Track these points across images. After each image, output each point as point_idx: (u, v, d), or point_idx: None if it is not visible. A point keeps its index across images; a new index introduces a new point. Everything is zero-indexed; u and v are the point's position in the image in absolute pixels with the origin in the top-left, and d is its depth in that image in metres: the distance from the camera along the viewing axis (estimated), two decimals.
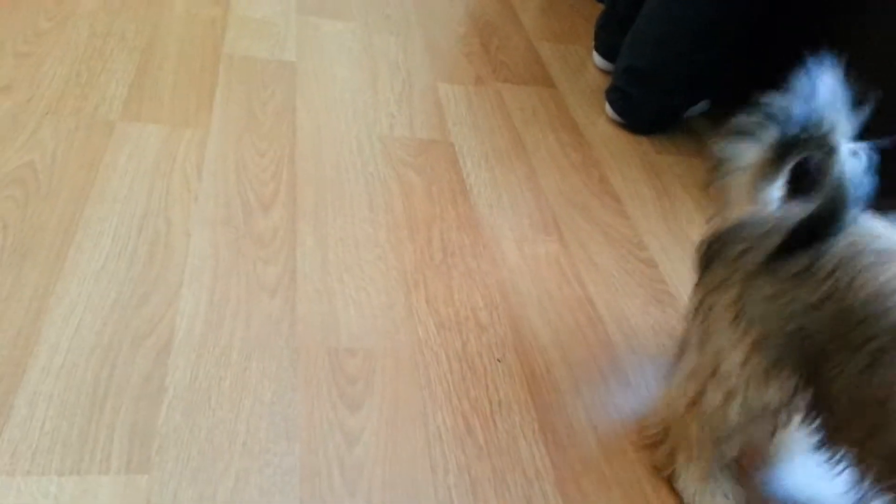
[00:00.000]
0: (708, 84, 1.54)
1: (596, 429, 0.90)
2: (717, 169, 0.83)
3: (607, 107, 1.52)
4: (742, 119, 0.78)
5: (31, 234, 0.95)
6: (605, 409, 0.92)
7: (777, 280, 0.72)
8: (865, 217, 0.70)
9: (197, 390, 0.82)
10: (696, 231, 1.27)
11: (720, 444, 0.82)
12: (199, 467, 0.75)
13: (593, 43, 1.74)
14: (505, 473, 0.82)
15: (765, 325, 0.73)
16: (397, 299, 1.00)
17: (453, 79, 1.54)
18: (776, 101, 0.75)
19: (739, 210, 0.80)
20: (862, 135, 0.70)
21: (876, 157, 0.69)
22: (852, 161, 0.68)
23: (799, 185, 0.79)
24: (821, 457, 0.74)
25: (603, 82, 1.65)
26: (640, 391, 0.96)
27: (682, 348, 0.85)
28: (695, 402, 0.81)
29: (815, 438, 0.74)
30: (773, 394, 0.75)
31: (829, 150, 0.69)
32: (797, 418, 0.78)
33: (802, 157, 0.75)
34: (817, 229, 0.69)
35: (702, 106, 1.59)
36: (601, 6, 1.75)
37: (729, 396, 0.78)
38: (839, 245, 0.69)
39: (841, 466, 0.72)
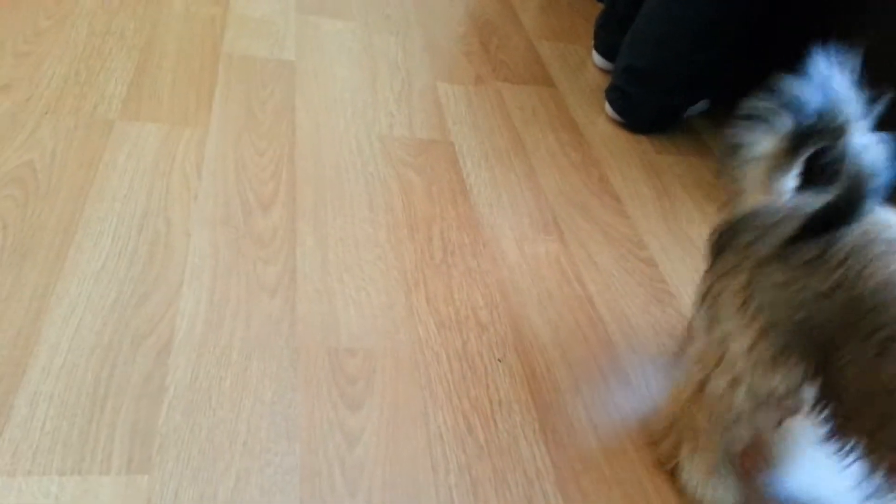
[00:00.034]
0: (708, 84, 1.54)
1: (596, 428, 0.90)
2: (729, 157, 0.83)
3: (607, 106, 1.52)
4: (757, 104, 0.78)
5: (30, 234, 0.95)
6: (605, 409, 0.92)
7: (788, 267, 0.72)
8: (878, 207, 0.70)
9: (197, 390, 0.82)
10: (696, 230, 1.27)
11: (726, 433, 0.82)
12: (199, 467, 0.75)
13: (593, 42, 1.74)
14: (506, 473, 0.82)
15: (774, 312, 0.73)
16: (397, 299, 1.00)
17: (453, 78, 1.54)
18: (790, 89, 0.74)
19: (752, 200, 0.80)
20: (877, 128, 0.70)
21: (893, 149, 0.69)
22: (871, 151, 0.68)
23: (812, 176, 0.79)
24: (830, 449, 0.74)
25: (603, 82, 1.65)
26: (641, 390, 0.96)
27: (688, 336, 0.85)
28: (700, 388, 0.81)
29: (824, 429, 0.74)
30: (779, 381, 0.75)
31: (847, 141, 0.69)
32: (804, 408, 0.78)
33: (817, 148, 0.75)
34: (834, 218, 0.69)
35: (701, 105, 1.59)
36: (601, 5, 1.75)
37: (734, 382, 0.78)
38: (851, 234, 0.69)
39: (851, 459, 0.72)
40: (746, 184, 0.82)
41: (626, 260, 1.17)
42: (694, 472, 0.85)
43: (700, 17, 1.39)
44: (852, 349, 0.68)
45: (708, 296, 0.81)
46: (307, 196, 1.13)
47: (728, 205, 0.84)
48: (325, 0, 1.69)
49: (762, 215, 0.77)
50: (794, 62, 0.76)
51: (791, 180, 0.80)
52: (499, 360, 0.95)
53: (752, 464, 0.90)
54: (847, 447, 0.72)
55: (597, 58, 1.71)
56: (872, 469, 0.70)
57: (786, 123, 0.76)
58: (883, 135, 0.69)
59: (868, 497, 0.72)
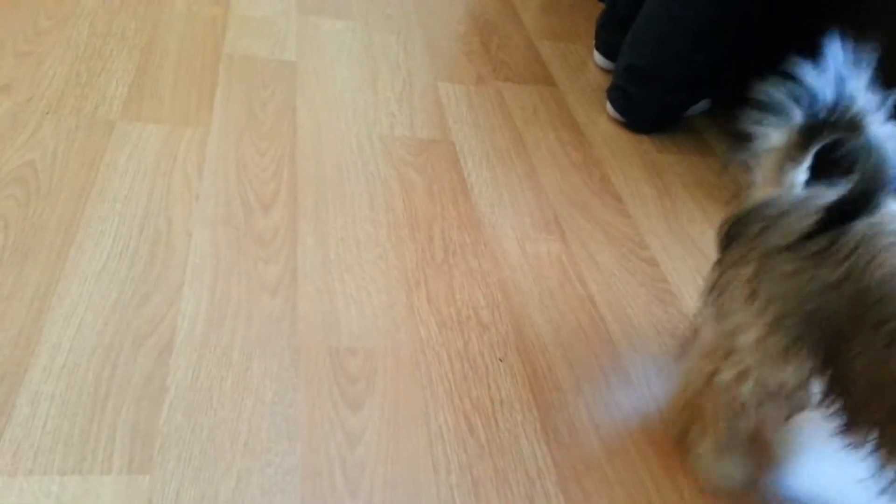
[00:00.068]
0: (708, 84, 1.54)
1: (598, 428, 0.90)
2: (738, 149, 0.83)
3: (608, 106, 1.52)
4: (768, 95, 0.78)
5: (31, 234, 0.95)
6: (606, 408, 0.92)
7: (796, 258, 0.72)
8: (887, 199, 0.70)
9: (198, 390, 0.82)
10: (698, 229, 1.27)
11: (731, 423, 0.82)
12: (200, 467, 0.75)
13: (594, 42, 1.74)
14: (507, 473, 0.82)
15: (782, 303, 0.73)
16: (398, 298, 1.00)
17: (454, 78, 1.54)
18: (802, 81, 0.74)
19: (762, 192, 0.80)
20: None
21: None
22: (888, 142, 0.68)
23: (823, 170, 0.79)
24: (841, 443, 0.74)
25: (604, 81, 1.65)
26: (642, 390, 0.96)
27: (697, 325, 0.85)
28: (709, 380, 0.82)
29: (835, 423, 0.74)
30: (789, 374, 0.75)
31: (863, 131, 0.69)
32: (813, 403, 0.78)
33: (829, 141, 0.75)
34: (851, 210, 0.69)
35: (703, 105, 1.59)
36: (602, 5, 1.75)
37: (742, 375, 0.78)
38: (859, 225, 0.69)
39: (862, 452, 0.72)
40: (757, 176, 0.82)
41: (628, 259, 1.17)
42: (703, 451, 0.85)
43: (700, 17, 1.39)
44: (861, 341, 0.67)
45: (716, 287, 0.81)
46: (308, 196, 1.13)
47: (738, 197, 0.84)
48: (325, 0, 1.69)
49: (771, 206, 0.77)
50: (793, 66, 0.75)
51: (801, 173, 0.80)
52: (500, 360, 0.95)
53: (759, 463, 0.90)
54: (858, 441, 0.72)
55: (598, 57, 1.71)
56: (884, 462, 0.70)
57: (797, 116, 0.76)
58: None
59: (881, 491, 0.72)
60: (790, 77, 0.75)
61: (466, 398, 0.89)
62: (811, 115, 0.74)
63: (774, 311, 0.74)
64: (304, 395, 0.85)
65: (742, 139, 0.83)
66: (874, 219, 0.69)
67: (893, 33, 1.19)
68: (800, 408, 0.81)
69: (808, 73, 0.73)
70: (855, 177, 0.68)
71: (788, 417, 0.85)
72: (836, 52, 0.72)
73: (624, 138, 1.48)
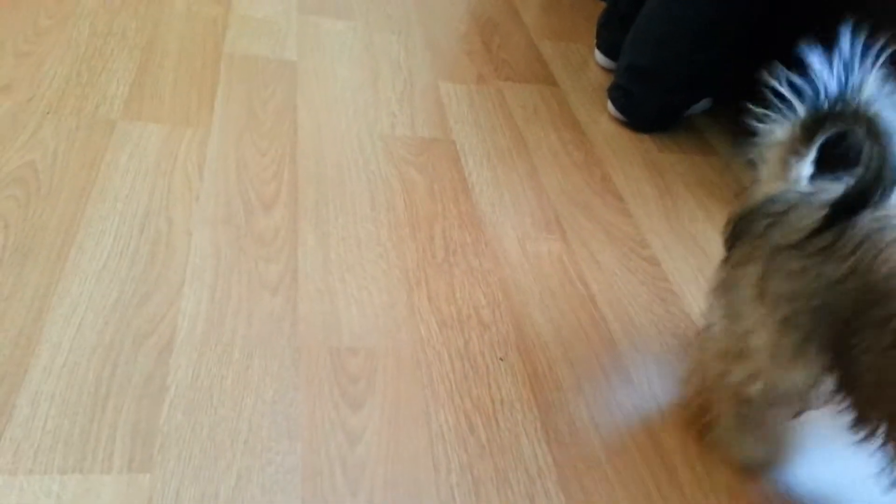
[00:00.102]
0: (709, 83, 1.54)
1: (598, 427, 0.89)
2: (741, 145, 0.84)
3: (609, 105, 1.52)
4: (773, 87, 0.78)
5: (32, 234, 0.95)
6: (607, 407, 0.92)
7: (802, 256, 0.72)
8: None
9: (199, 389, 0.82)
10: (699, 229, 1.27)
11: (742, 417, 0.83)
12: (201, 466, 0.75)
13: (595, 41, 1.74)
14: (507, 472, 0.82)
15: (790, 302, 0.73)
16: (399, 298, 1.00)
17: (455, 77, 1.53)
18: (804, 73, 0.74)
19: (768, 187, 0.80)
20: None
21: None
22: (893, 133, 0.67)
23: (828, 163, 0.79)
24: (851, 437, 0.74)
25: (605, 80, 1.65)
26: (643, 389, 0.96)
27: (708, 322, 0.85)
28: (720, 379, 0.83)
29: (845, 418, 0.74)
30: (799, 375, 0.75)
31: (867, 123, 0.69)
32: (823, 401, 0.78)
33: (832, 133, 0.75)
34: (857, 203, 0.69)
35: (704, 104, 1.59)
36: (602, 4, 1.74)
37: (753, 377, 0.78)
38: (864, 220, 0.69)
39: (872, 447, 0.72)
40: (761, 171, 0.81)
41: (629, 259, 1.17)
42: (723, 432, 0.86)
43: (700, 17, 1.38)
44: (867, 336, 0.67)
45: (724, 286, 0.81)
46: (309, 195, 1.13)
47: (743, 193, 0.84)
48: (326, 0, 1.69)
49: (776, 203, 0.77)
50: (794, 64, 0.75)
51: (807, 167, 0.80)
52: (501, 359, 0.95)
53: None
54: (867, 436, 0.72)
55: (599, 56, 1.71)
56: (893, 457, 0.70)
57: (801, 109, 0.76)
58: None
59: (890, 485, 0.72)
60: (794, 69, 0.75)
61: (467, 397, 0.89)
62: (814, 108, 0.74)
63: (783, 310, 0.74)
64: (305, 394, 0.85)
65: (745, 136, 0.83)
66: (879, 213, 0.69)
67: (894, 33, 1.19)
68: (809, 407, 0.82)
69: (812, 65, 0.73)
70: (859, 169, 0.68)
71: (797, 416, 0.86)
72: (842, 43, 0.71)
73: (625, 137, 1.48)
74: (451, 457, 0.82)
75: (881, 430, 0.70)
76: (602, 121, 1.51)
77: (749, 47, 1.47)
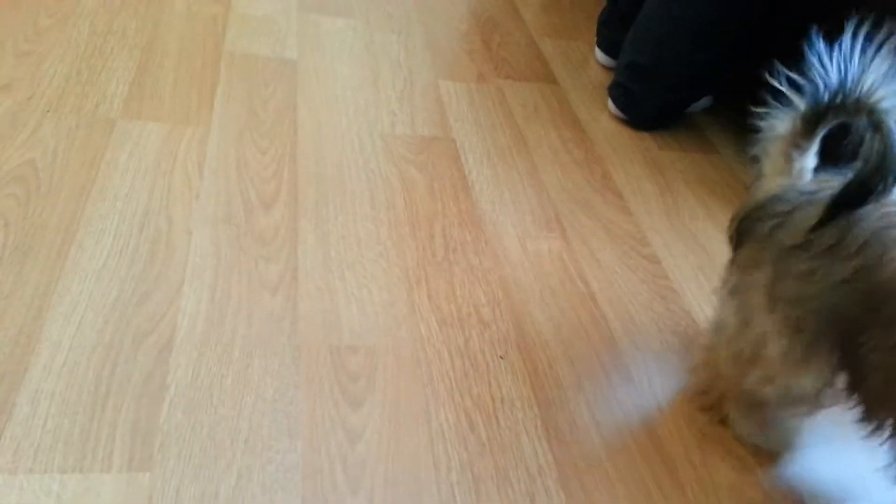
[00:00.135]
0: (709, 83, 1.54)
1: (599, 425, 0.89)
2: (744, 142, 0.84)
3: (610, 103, 1.52)
4: (775, 84, 0.78)
5: (32, 233, 0.95)
6: (607, 406, 0.92)
7: (809, 257, 0.72)
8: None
9: (199, 388, 0.82)
10: (700, 226, 1.27)
11: (756, 412, 0.85)
12: (201, 465, 0.75)
13: (595, 39, 1.74)
14: (508, 470, 0.82)
15: (799, 305, 0.73)
16: (399, 296, 1.00)
17: (455, 76, 1.53)
18: (805, 67, 0.74)
19: (772, 182, 0.80)
20: None
21: None
22: (893, 124, 0.67)
23: (832, 155, 0.79)
24: (861, 432, 0.74)
25: (605, 78, 1.65)
26: (643, 387, 0.96)
27: (718, 320, 0.86)
28: (735, 380, 0.83)
29: (855, 413, 0.74)
30: (811, 376, 0.76)
31: (870, 113, 0.68)
32: (836, 399, 0.78)
33: (834, 125, 0.75)
34: (857, 195, 0.68)
35: (704, 102, 1.59)
36: (603, 2, 1.74)
37: (767, 380, 0.79)
38: (870, 218, 0.69)
39: (881, 441, 0.72)
40: (765, 166, 0.81)
41: (629, 257, 1.17)
42: (744, 423, 0.87)
43: (700, 17, 1.38)
44: (875, 335, 0.67)
45: (734, 289, 0.81)
46: (309, 194, 1.13)
47: (750, 186, 0.84)
48: None
49: (781, 201, 0.77)
50: (794, 62, 0.75)
51: (810, 159, 0.80)
52: (501, 358, 0.95)
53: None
54: (875, 431, 0.72)
55: (599, 55, 1.71)
56: None
57: (802, 102, 0.76)
58: None
59: None
60: (794, 65, 0.75)
61: (467, 396, 0.89)
62: (815, 100, 0.74)
63: (792, 314, 0.74)
64: (305, 392, 0.85)
65: (746, 133, 0.82)
66: (884, 210, 0.69)
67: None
68: (820, 407, 0.82)
69: (813, 58, 0.73)
70: (859, 162, 0.68)
71: (808, 414, 0.86)
72: (843, 36, 0.71)
73: (625, 135, 1.47)
74: (452, 455, 0.82)
75: (889, 425, 0.70)
76: (602, 119, 1.51)
77: (749, 47, 1.47)
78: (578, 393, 0.93)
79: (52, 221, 0.97)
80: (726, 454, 0.89)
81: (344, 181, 1.17)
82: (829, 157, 0.80)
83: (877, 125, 0.67)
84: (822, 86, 0.72)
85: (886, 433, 0.71)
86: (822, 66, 0.72)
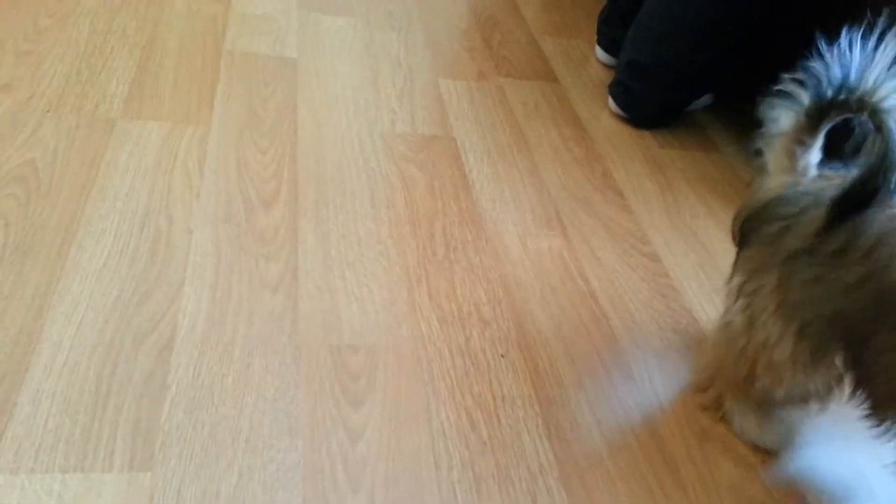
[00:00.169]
0: (709, 83, 1.54)
1: (600, 423, 0.89)
2: (747, 139, 0.84)
3: (610, 101, 1.52)
4: (781, 84, 0.78)
5: (32, 233, 0.95)
6: (608, 404, 0.92)
7: (816, 262, 0.72)
8: None
9: (199, 387, 0.82)
10: (700, 224, 1.27)
11: (761, 409, 0.85)
12: (202, 464, 0.75)
13: (596, 37, 1.73)
14: (509, 469, 0.82)
15: (808, 310, 0.73)
16: (399, 295, 1.00)
17: (455, 74, 1.53)
18: (811, 63, 0.74)
19: (776, 179, 0.80)
20: None
21: None
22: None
23: (836, 150, 0.79)
24: (868, 428, 0.74)
25: (605, 77, 1.64)
26: (644, 385, 0.95)
27: (726, 319, 0.86)
28: (747, 380, 0.84)
29: (862, 410, 0.74)
30: (819, 378, 0.76)
31: (873, 113, 0.68)
32: (844, 398, 0.78)
33: (837, 121, 0.74)
34: (861, 197, 0.68)
35: (705, 100, 1.59)
36: (603, 0, 1.74)
37: (777, 382, 0.79)
38: (877, 221, 0.69)
39: (890, 437, 0.72)
40: (769, 162, 0.81)
41: (630, 255, 1.17)
42: (744, 420, 0.88)
43: (700, 17, 1.38)
44: (884, 338, 0.67)
45: (742, 294, 0.81)
46: (309, 193, 1.13)
47: (750, 186, 0.84)
48: None
49: (787, 203, 0.76)
50: (794, 62, 0.75)
51: (814, 155, 0.80)
52: (501, 356, 0.95)
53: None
54: (884, 429, 0.72)
55: (600, 53, 1.71)
56: None
57: (805, 98, 0.75)
58: None
59: None
60: (796, 62, 0.75)
61: (468, 394, 0.89)
62: (819, 96, 0.73)
63: (800, 319, 0.74)
64: (306, 391, 0.85)
65: (747, 131, 0.82)
66: (891, 213, 0.69)
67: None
68: (826, 406, 0.82)
69: (817, 55, 0.73)
70: (862, 159, 0.67)
71: (815, 412, 0.86)
72: (849, 34, 0.71)
73: (626, 134, 1.47)
74: (453, 454, 0.82)
75: None
76: (603, 117, 1.50)
77: (749, 47, 1.47)
78: (579, 391, 0.93)
79: (53, 221, 0.97)
80: (728, 452, 0.89)
81: (344, 180, 1.17)
82: (834, 151, 0.79)
83: (878, 126, 0.67)
84: (825, 81, 0.72)
85: (894, 431, 0.71)
86: (825, 61, 0.72)
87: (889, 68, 0.68)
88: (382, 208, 1.14)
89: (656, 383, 0.96)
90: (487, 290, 1.04)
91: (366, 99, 1.38)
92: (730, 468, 0.87)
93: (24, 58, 1.25)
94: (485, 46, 1.66)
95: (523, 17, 1.83)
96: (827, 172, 0.78)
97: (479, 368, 0.92)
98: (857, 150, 0.69)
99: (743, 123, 1.46)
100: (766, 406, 0.87)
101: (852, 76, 0.69)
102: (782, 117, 0.78)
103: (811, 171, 0.79)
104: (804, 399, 0.82)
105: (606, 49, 1.69)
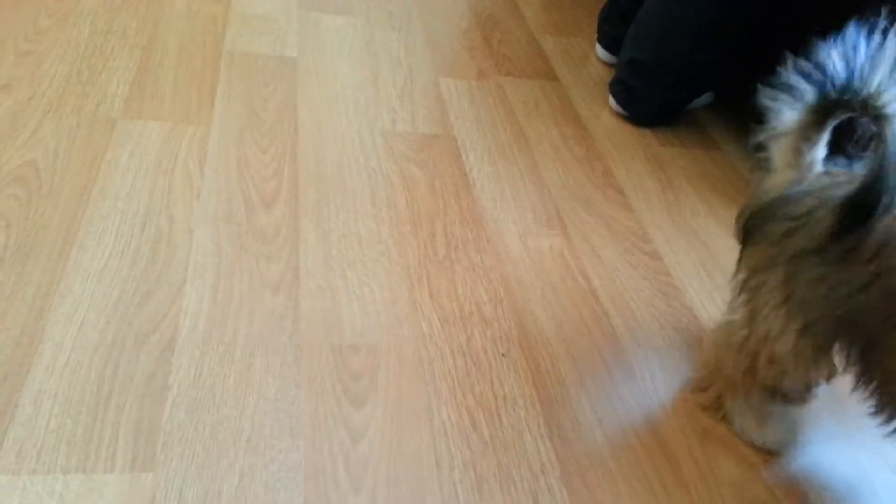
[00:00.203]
0: (709, 82, 1.53)
1: (601, 422, 0.89)
2: (749, 138, 0.83)
3: (611, 99, 1.52)
4: (784, 77, 0.77)
5: (33, 233, 0.95)
6: (610, 403, 0.92)
7: (823, 262, 0.72)
8: None
9: (201, 387, 0.82)
10: (701, 223, 1.26)
11: (762, 405, 0.86)
12: (203, 464, 0.75)
13: (596, 35, 1.73)
14: (510, 468, 0.82)
15: (813, 309, 0.73)
16: (401, 295, 1.00)
17: (455, 73, 1.53)
18: (815, 60, 0.73)
19: (782, 177, 0.79)
20: None
21: None
22: None
23: (841, 146, 0.79)
24: (876, 425, 0.74)
25: (606, 75, 1.64)
26: (646, 384, 0.95)
27: (728, 316, 0.86)
28: (748, 374, 0.84)
29: (871, 403, 0.74)
30: (820, 373, 0.76)
31: (876, 116, 0.67)
32: (846, 388, 0.79)
33: (843, 119, 0.74)
34: (867, 204, 0.67)
35: (706, 98, 1.58)
36: None
37: (780, 376, 0.80)
38: (884, 223, 0.68)
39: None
40: (773, 159, 0.81)
41: (631, 253, 1.17)
42: (744, 420, 0.88)
43: (700, 17, 1.38)
44: (893, 339, 0.67)
45: (745, 289, 0.81)
46: (310, 193, 1.13)
47: (757, 181, 0.84)
48: None
49: (793, 203, 0.76)
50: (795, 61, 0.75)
51: (819, 151, 0.79)
52: (503, 356, 0.95)
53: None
54: (892, 426, 0.72)
55: (600, 51, 1.71)
56: None
57: (812, 95, 0.75)
58: None
59: None
60: (804, 56, 0.75)
61: (469, 394, 0.89)
62: (823, 94, 0.73)
63: (804, 316, 0.74)
64: (307, 391, 0.85)
65: (749, 129, 0.82)
66: None
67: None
68: (817, 390, 0.83)
69: (821, 52, 0.72)
70: (868, 164, 0.67)
71: (808, 402, 0.87)
72: (853, 32, 0.71)
73: (626, 132, 1.47)
74: (454, 453, 0.82)
75: None
76: (603, 115, 1.50)
77: (749, 47, 1.47)
78: (581, 390, 0.93)
79: (54, 222, 0.97)
80: (729, 451, 0.89)
81: (345, 179, 1.17)
82: (839, 147, 0.79)
83: (879, 134, 0.67)
84: (830, 78, 0.72)
85: None
86: (831, 58, 0.71)
87: (893, 71, 0.68)
88: (383, 207, 1.13)
89: (658, 382, 0.96)
90: (488, 290, 1.04)
91: (366, 98, 1.38)
92: (732, 467, 0.87)
93: (24, 58, 1.25)
94: (485, 45, 1.66)
95: (523, 16, 1.83)
96: (832, 169, 0.78)
97: (481, 368, 0.92)
98: (863, 147, 0.69)
99: (743, 121, 1.46)
100: (766, 404, 0.87)
101: (856, 77, 0.69)
102: (785, 112, 0.78)
103: (817, 167, 0.79)
104: (803, 393, 0.82)
105: (607, 47, 1.68)
